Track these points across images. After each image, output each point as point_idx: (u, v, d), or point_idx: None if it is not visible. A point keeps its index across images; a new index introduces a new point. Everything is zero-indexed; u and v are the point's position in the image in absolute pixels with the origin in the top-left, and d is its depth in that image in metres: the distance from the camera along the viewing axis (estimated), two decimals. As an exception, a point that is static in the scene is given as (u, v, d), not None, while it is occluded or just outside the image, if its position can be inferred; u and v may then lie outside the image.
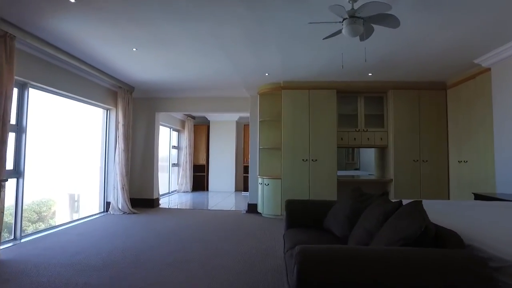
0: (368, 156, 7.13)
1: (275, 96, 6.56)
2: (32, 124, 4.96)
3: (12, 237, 4.55)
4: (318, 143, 6.17)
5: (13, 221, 4.63)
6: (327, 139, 6.16)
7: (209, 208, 7.49)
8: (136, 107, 7.40)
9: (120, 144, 6.45)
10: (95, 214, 6.39)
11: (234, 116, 10.89)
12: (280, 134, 6.46)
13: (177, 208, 7.46)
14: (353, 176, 7.09)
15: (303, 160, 6.18)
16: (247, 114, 9.65)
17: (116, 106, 6.53)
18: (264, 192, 6.40)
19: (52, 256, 3.78)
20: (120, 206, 6.43)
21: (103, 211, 6.61)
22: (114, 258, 3.71)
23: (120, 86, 6.35)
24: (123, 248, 4.12)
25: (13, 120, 4.52)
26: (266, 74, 5.80)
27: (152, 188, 7.29)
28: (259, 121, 6.67)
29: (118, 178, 6.42)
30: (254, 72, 5.68)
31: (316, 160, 6.15)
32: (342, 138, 6.37)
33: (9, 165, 4.49)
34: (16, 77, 4.32)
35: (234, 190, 10.94)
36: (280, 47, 4.43)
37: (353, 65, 5.12)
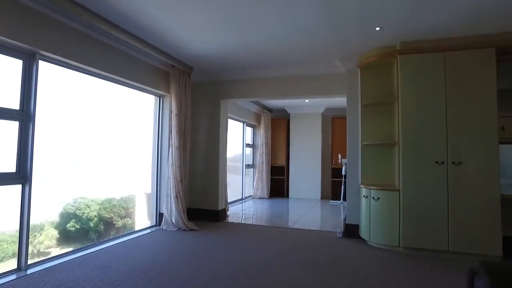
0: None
1: (385, 67, 4.34)
2: (59, 112, 3.67)
3: (16, 267, 3.23)
4: (462, 136, 3.76)
5: (16, 246, 3.34)
6: (479, 128, 3.70)
7: (290, 225, 5.54)
8: (196, 93, 5.85)
9: (173, 140, 4.91)
10: (144, 229, 4.97)
11: (320, 107, 8.77)
12: (394, 123, 4.22)
13: (248, 224, 5.69)
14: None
15: (436, 162, 3.82)
16: (338, 102, 7.53)
17: (169, 92, 5.02)
18: (371, 210, 4.20)
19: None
20: (173, 220, 4.89)
21: (155, 225, 5.16)
22: None
23: (173, 64, 4.81)
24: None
25: (15, 104, 3.21)
26: (377, 29, 3.63)
27: (217, 197, 5.63)
28: (361, 106, 4.50)
29: (171, 183, 4.89)
30: (357, 27, 3.57)
31: (460, 163, 3.75)
32: (504, 128, 3.84)
33: (9, 165, 3.19)
34: (13, 42, 2.97)
35: (320, 197, 8.82)
36: None
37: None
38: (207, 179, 5.69)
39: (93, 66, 3.81)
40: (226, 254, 3.78)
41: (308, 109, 8.85)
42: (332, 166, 8.76)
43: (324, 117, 9.06)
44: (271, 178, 9.07)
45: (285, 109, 9.08)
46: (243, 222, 5.78)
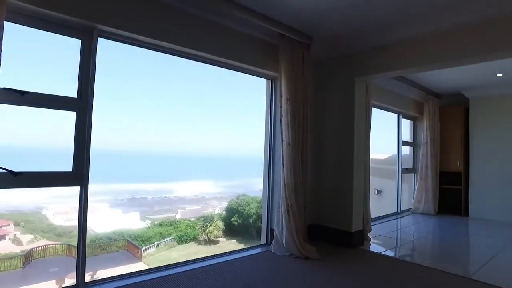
0: None
1: None
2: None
3: (74, 283, 2.62)
4: None
5: (75, 260, 2.74)
6: None
7: (472, 273, 3.34)
8: (319, 72, 4.35)
9: (284, 134, 3.59)
10: (252, 248, 3.86)
11: (523, 85, 5.69)
12: None
13: (398, 260, 3.79)
14: None
15: None
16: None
17: (279, 72, 3.71)
18: None
19: None
20: (284, 242, 3.58)
21: (266, 243, 3.96)
22: None
23: (281, 33, 3.49)
24: None
25: (72, 91, 2.61)
26: None
27: (350, 213, 3.96)
28: None
29: (282, 192, 3.59)
30: None
31: None
32: None
33: (65, 164, 2.60)
34: (64, 16, 2.36)
35: (524, 221, 5.72)
36: None
37: None
38: (337, 187, 4.10)
39: (170, 40, 2.95)
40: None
41: (502, 88, 5.89)
42: (550, 175, 5.51)
43: (531, 100, 5.86)
44: (439, 188, 6.51)
45: (462, 92, 6.35)
46: (390, 254, 3.89)
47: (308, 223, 3.87)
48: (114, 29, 2.66)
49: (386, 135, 6.89)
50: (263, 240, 3.99)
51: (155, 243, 18.96)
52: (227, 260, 3.41)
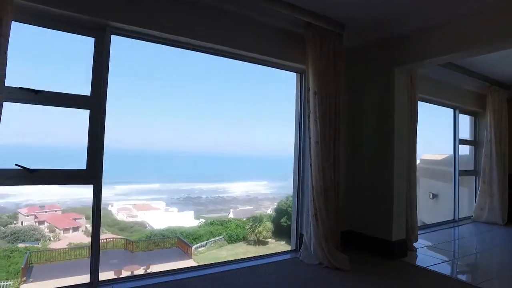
0: None
1: None
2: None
3: (88, 281, 2.59)
4: None
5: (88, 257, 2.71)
6: None
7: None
8: (353, 63, 3.92)
9: (312, 131, 3.26)
10: (281, 253, 3.60)
11: None
12: None
13: (448, 276, 3.26)
14: None
15: None
16: None
17: (306, 64, 3.38)
18: None
19: None
20: (312, 249, 3.24)
21: (295, 249, 3.65)
22: None
23: (308, 21, 3.17)
24: None
25: (86, 89, 2.58)
26: None
27: (390, 219, 3.48)
28: None
29: (310, 194, 3.26)
30: None
31: None
32: None
33: (79, 161, 2.59)
34: (75, 15, 2.35)
35: None
36: None
37: None
38: (375, 190, 3.64)
39: (186, 34, 2.83)
40: None
41: None
42: None
43: None
44: (509, 193, 5.58)
45: (536, 81, 5.38)
46: (440, 269, 3.33)
47: (341, 229, 3.49)
48: (127, 25, 2.61)
49: (443, 133, 6.15)
50: (293, 246, 3.69)
51: (206, 241, 19.44)
52: (251, 266, 3.20)
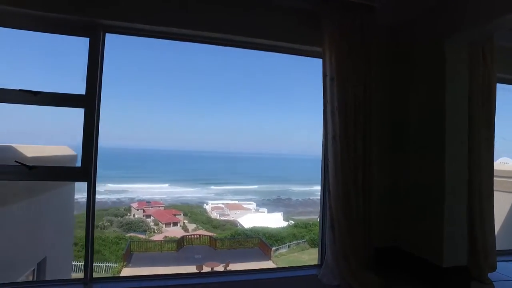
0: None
1: None
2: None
3: (82, 276, 2.58)
4: None
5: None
6: None
7: None
8: (387, 43, 3.12)
9: (329, 125, 2.69)
10: (304, 268, 3.09)
11: None
12: None
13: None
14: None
15: None
16: None
17: (322, 45, 2.81)
18: None
19: None
20: (330, 267, 2.65)
21: (319, 264, 3.07)
22: None
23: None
24: None
25: (81, 89, 2.61)
26: None
27: (440, 238, 2.62)
28: None
29: (326, 201, 2.69)
30: None
31: None
32: None
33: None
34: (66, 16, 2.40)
35: None
36: None
37: None
38: (421, 198, 2.82)
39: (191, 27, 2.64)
40: None
41: None
42: None
43: None
44: None
45: None
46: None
47: (376, 245, 2.80)
48: (120, 22, 2.55)
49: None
50: (318, 260, 3.13)
51: (288, 243, 19.15)
52: (255, 279, 2.80)
